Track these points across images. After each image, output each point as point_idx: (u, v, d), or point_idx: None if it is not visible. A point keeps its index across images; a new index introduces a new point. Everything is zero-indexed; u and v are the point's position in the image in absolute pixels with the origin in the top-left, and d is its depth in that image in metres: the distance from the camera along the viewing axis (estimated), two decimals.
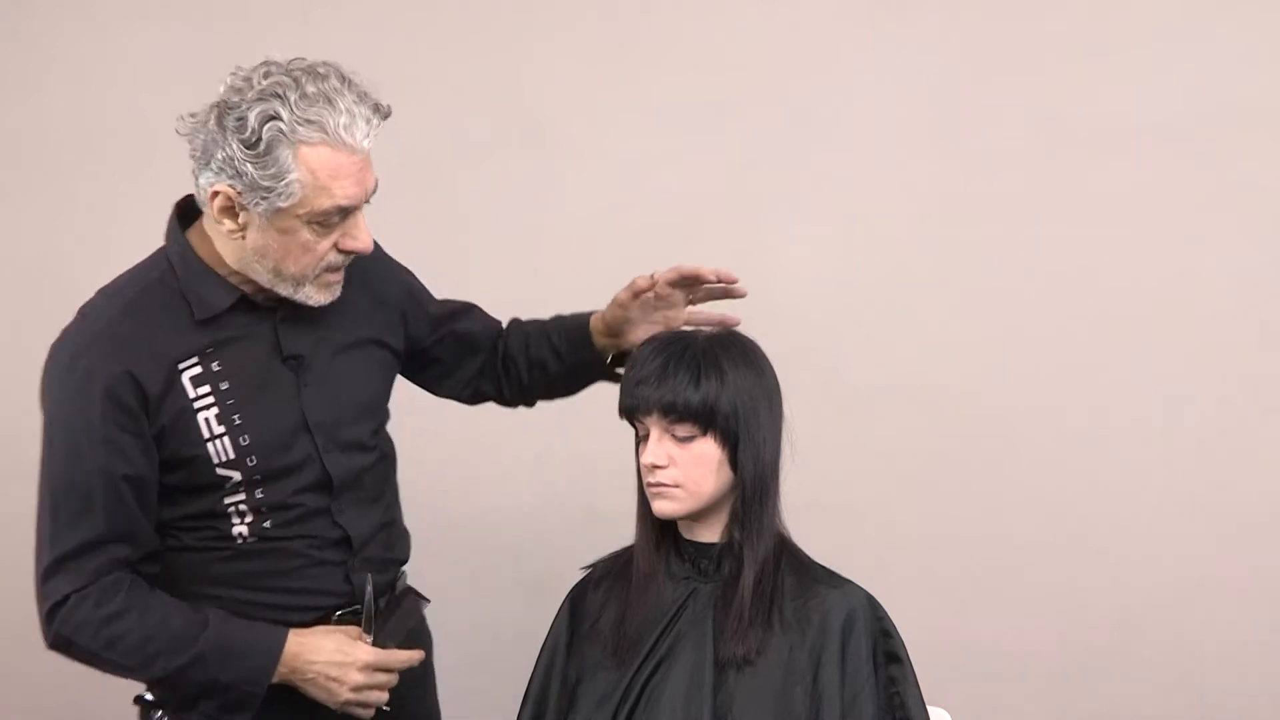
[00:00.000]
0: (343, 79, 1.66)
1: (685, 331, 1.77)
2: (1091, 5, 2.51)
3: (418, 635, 1.93)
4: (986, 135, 2.56)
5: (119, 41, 2.78)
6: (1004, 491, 2.61)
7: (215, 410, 1.71)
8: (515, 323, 2.07)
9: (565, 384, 2.05)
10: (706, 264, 1.93)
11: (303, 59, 1.66)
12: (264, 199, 1.63)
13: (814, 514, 2.59)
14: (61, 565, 1.68)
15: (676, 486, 1.68)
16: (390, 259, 1.95)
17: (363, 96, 1.67)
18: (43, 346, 1.76)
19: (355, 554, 1.83)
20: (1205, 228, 2.51)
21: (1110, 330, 2.56)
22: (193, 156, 1.67)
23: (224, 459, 1.72)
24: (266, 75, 1.64)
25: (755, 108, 2.62)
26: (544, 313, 2.63)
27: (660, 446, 1.67)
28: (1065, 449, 2.58)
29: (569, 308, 2.62)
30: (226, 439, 1.72)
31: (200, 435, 1.71)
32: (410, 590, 1.93)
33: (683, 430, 1.67)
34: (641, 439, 1.71)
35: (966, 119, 2.57)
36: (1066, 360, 2.57)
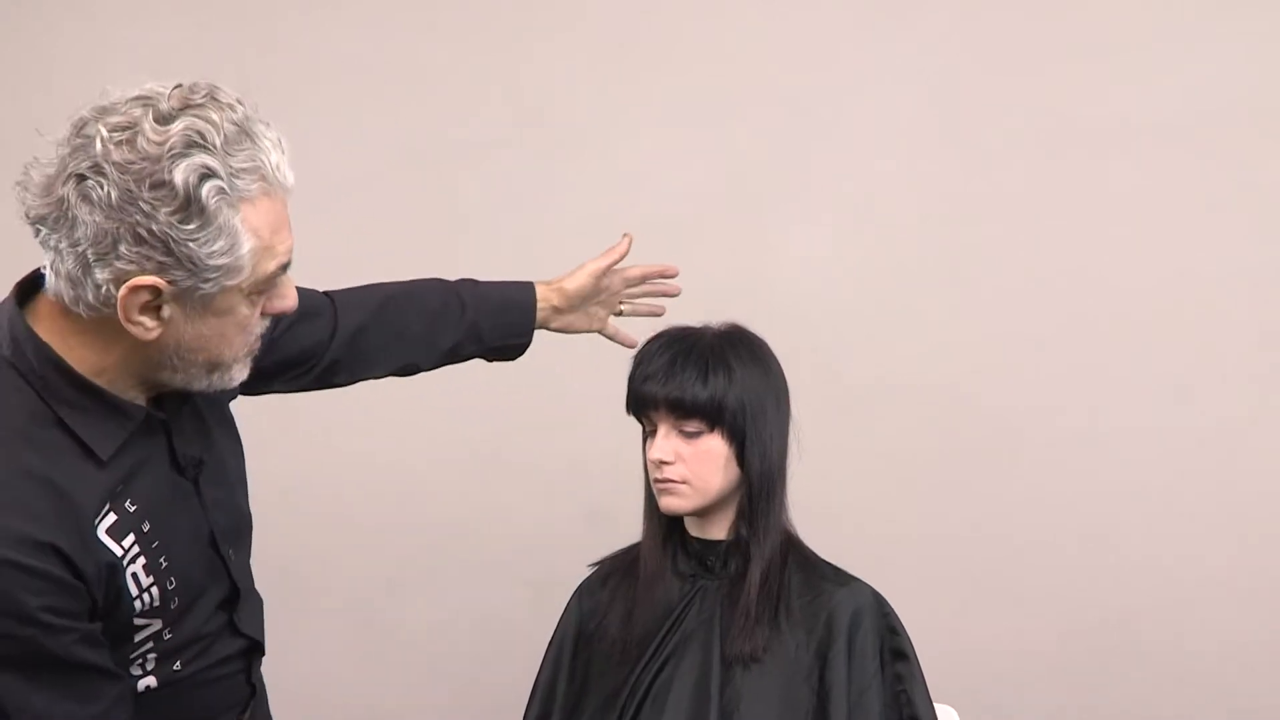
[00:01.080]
0: (242, 102, 1.28)
1: (692, 328, 1.76)
2: (1094, 4, 2.51)
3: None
4: (989, 134, 2.55)
5: (119, 40, 2.77)
6: (1006, 491, 2.61)
7: (142, 560, 1.35)
8: (367, 301, 1.74)
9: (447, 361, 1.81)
10: (663, 301, 1.89)
11: (182, 85, 1.25)
12: (208, 281, 1.24)
13: (816, 513, 2.60)
14: None
15: (684, 483, 1.68)
16: None
17: (265, 120, 1.28)
18: None
19: (257, 654, 1.60)
20: (1207, 227, 2.50)
21: (1112, 330, 2.55)
22: (56, 245, 1.23)
23: (147, 607, 1.38)
24: (162, 119, 1.21)
25: (757, 106, 2.62)
26: None
27: (668, 442, 1.67)
28: (1067, 448, 2.58)
29: None
30: (155, 588, 1.37)
31: (130, 593, 1.35)
32: None
33: (691, 426, 1.68)
34: (649, 435, 1.71)
35: (969, 118, 2.56)
36: (1068, 360, 2.57)
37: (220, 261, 1.24)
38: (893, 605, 2.58)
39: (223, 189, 1.22)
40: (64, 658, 1.30)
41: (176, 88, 1.24)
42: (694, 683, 1.67)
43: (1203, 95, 2.47)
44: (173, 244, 1.22)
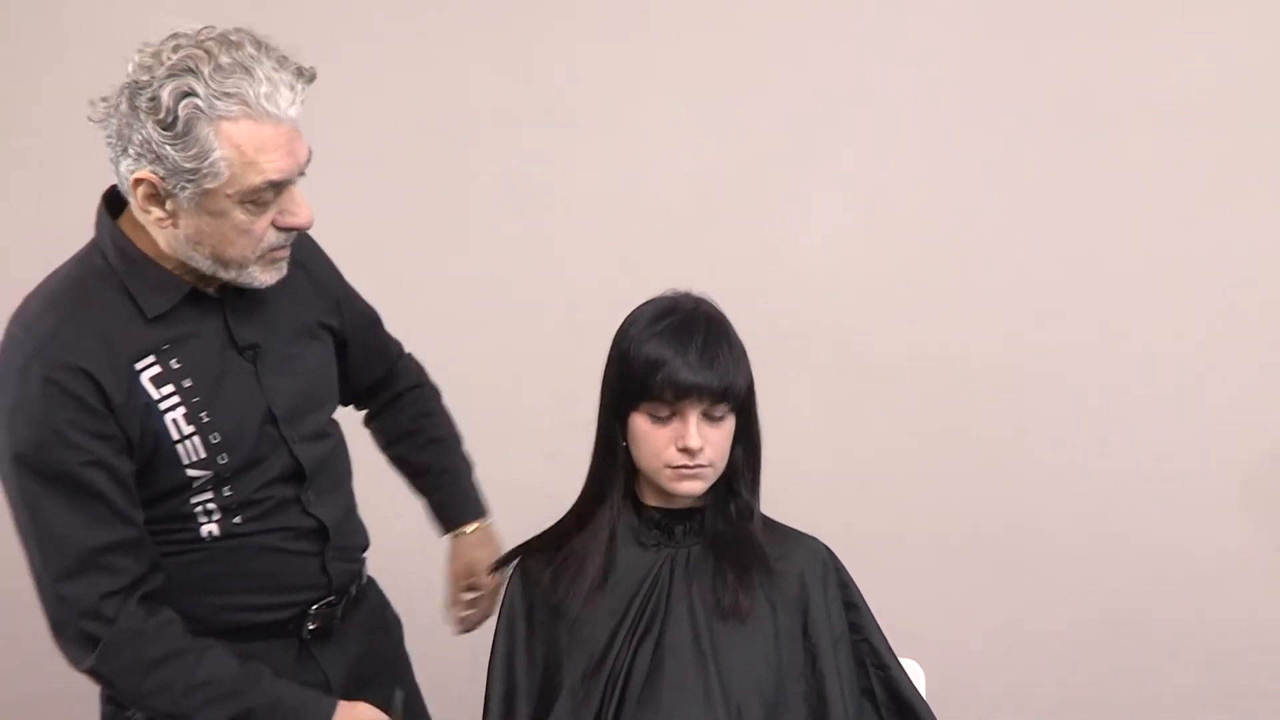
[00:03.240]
0: (259, 45, 1.53)
1: (679, 305, 1.70)
2: None
3: (384, 621, 1.95)
4: (1004, 112, 2.54)
5: (129, 13, 2.74)
6: (1023, 467, 2.61)
7: (182, 410, 1.61)
8: (418, 394, 2.05)
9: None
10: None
11: (213, 27, 1.54)
12: (189, 182, 1.51)
13: (832, 489, 2.61)
14: (83, 569, 1.57)
15: (709, 466, 1.67)
16: (318, 245, 1.85)
17: (283, 61, 1.53)
18: None
19: (329, 543, 1.78)
20: (1222, 204, 2.50)
21: (1129, 306, 2.55)
22: (108, 143, 1.55)
23: (194, 459, 1.63)
24: (176, 49, 1.51)
25: (770, 86, 2.60)
26: (557, 297, 2.63)
27: (699, 430, 1.65)
28: (1083, 425, 2.58)
29: (580, 292, 2.61)
30: (197, 438, 1.62)
31: (171, 438, 1.61)
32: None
33: (719, 411, 1.66)
34: (661, 420, 1.66)
35: (983, 97, 2.55)
36: (1084, 337, 2.57)
37: (192, 165, 1.49)
38: (911, 580, 2.60)
39: (199, 106, 1.48)
40: (77, 476, 1.54)
41: (202, 29, 1.53)
42: (691, 648, 1.67)
43: (1220, 71, 2.46)
44: (155, 145, 1.50)
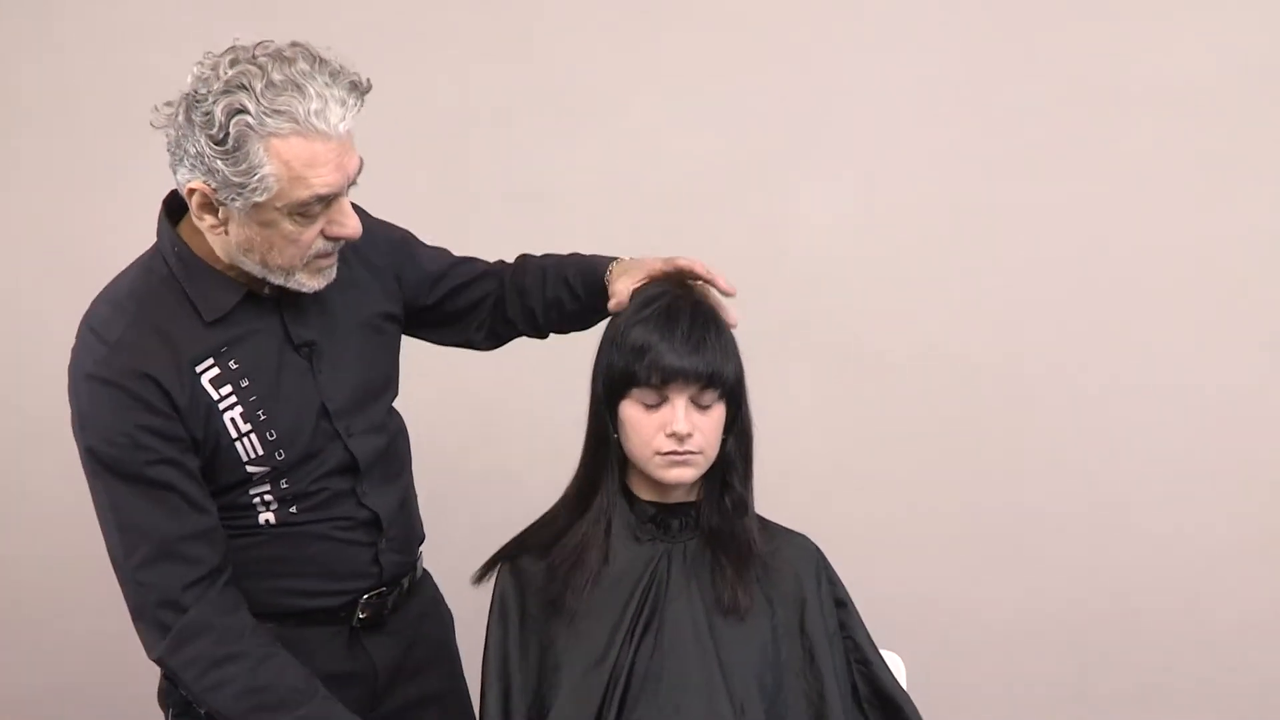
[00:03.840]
0: (313, 60, 1.57)
1: (667, 291, 1.73)
2: None
3: (436, 614, 1.98)
4: (1007, 100, 2.54)
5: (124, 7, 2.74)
6: (1022, 459, 2.62)
7: (240, 409, 1.69)
8: (528, 259, 1.99)
9: (580, 321, 1.96)
10: (720, 272, 1.82)
11: (270, 42, 1.59)
12: (239, 194, 1.56)
13: (831, 481, 2.61)
14: (162, 558, 1.65)
15: (699, 453, 1.68)
16: (375, 219, 1.87)
17: (336, 76, 1.58)
18: (59, 304, 1.77)
19: (383, 534, 1.82)
20: (1226, 192, 2.50)
21: (1130, 299, 2.55)
22: (169, 150, 1.61)
23: (252, 455, 1.70)
24: (233, 63, 1.55)
25: (772, 73, 2.59)
26: None
27: (688, 415, 1.66)
28: (1083, 417, 2.59)
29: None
30: (254, 435, 1.70)
31: (229, 436, 1.68)
32: None
33: (707, 398, 1.68)
34: (650, 407, 1.68)
35: (986, 84, 2.55)
36: (1084, 329, 2.57)
37: (241, 180, 1.55)
38: (913, 571, 2.62)
39: (249, 124, 1.53)
40: (150, 474, 1.62)
41: (259, 44, 1.58)
42: (692, 644, 1.68)
43: (1224, 59, 2.47)
44: (207, 159, 1.55)
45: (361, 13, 2.65)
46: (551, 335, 2.00)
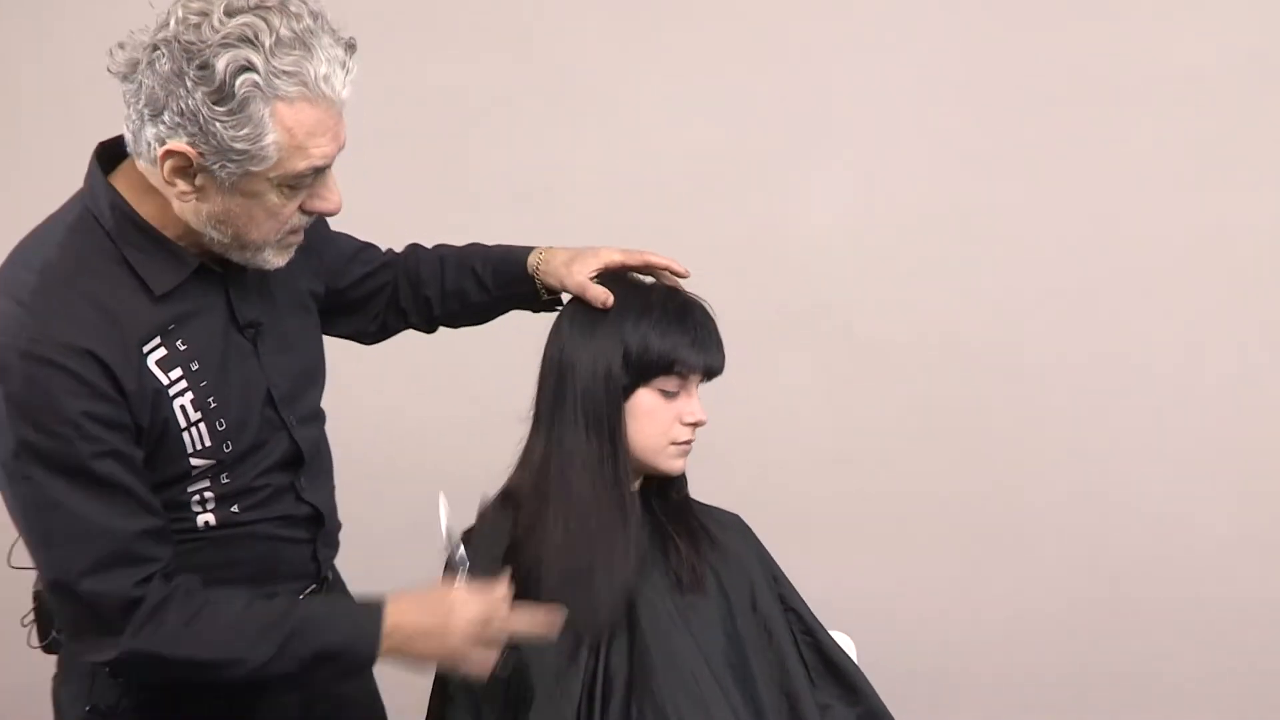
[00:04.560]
0: (315, 16, 1.42)
1: (666, 287, 1.75)
2: None
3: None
4: (1009, 87, 2.53)
5: None
6: (1021, 445, 2.61)
7: (190, 395, 1.49)
8: (419, 249, 1.89)
9: (483, 314, 1.89)
10: (676, 257, 1.78)
11: None
12: (233, 162, 1.39)
13: (832, 467, 2.60)
14: (115, 561, 1.44)
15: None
16: None
17: (335, 36, 1.43)
18: None
19: (323, 529, 1.71)
20: (1228, 180, 2.49)
21: (1130, 286, 2.54)
22: (130, 101, 1.40)
23: (199, 447, 1.52)
24: (230, 12, 1.37)
25: (772, 60, 2.58)
26: None
27: (700, 405, 1.70)
28: (1083, 404, 2.58)
29: None
30: (203, 425, 1.51)
31: (178, 425, 1.49)
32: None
33: (700, 389, 1.72)
34: (670, 395, 1.68)
35: (988, 71, 2.53)
36: (1084, 318, 2.56)
37: (241, 146, 1.37)
38: (910, 558, 2.62)
39: (257, 83, 1.36)
40: (95, 469, 1.42)
41: None
42: (670, 626, 1.67)
43: (1230, 47, 2.45)
44: (203, 121, 1.36)
45: (359, 3, 2.61)
46: (441, 330, 1.92)
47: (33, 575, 1.57)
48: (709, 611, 1.71)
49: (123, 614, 1.46)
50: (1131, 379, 2.56)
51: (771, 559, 1.81)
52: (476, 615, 1.55)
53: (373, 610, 1.54)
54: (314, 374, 1.71)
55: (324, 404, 1.75)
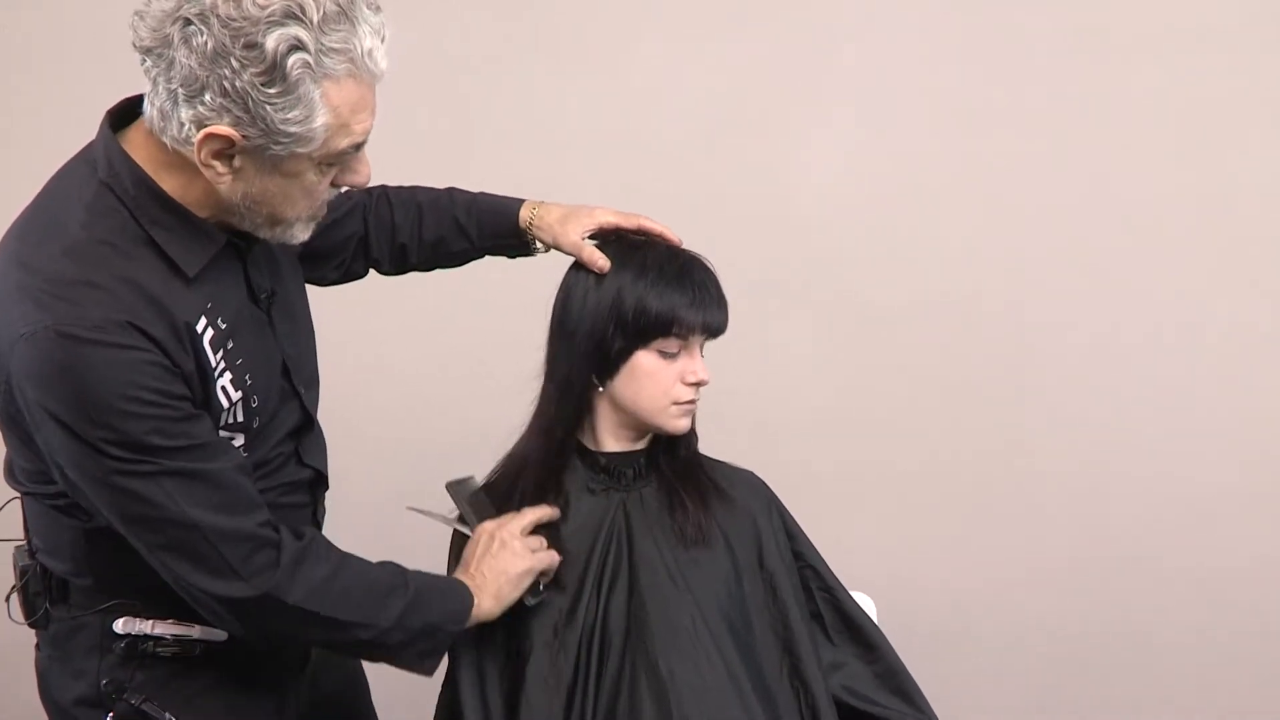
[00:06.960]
0: None
1: (660, 246, 1.73)
2: None
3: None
4: (1009, 46, 2.51)
5: None
6: (1024, 407, 2.60)
7: (229, 375, 1.45)
8: (388, 191, 1.83)
9: (459, 261, 1.86)
10: (676, 217, 1.77)
11: None
12: (279, 144, 1.33)
13: (834, 428, 2.59)
14: (236, 504, 1.42)
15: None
16: None
17: (373, 6, 1.37)
18: None
19: (324, 490, 1.69)
20: (1231, 138, 2.47)
21: (1133, 248, 2.53)
22: (156, 79, 1.33)
23: (232, 421, 1.47)
24: None
25: (772, 19, 2.56)
26: None
27: (702, 365, 1.69)
28: (1086, 363, 2.57)
29: None
30: (241, 404, 1.48)
31: (220, 405, 1.45)
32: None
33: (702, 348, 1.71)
34: (670, 356, 1.68)
35: (988, 30, 2.52)
36: (1087, 275, 2.55)
37: (293, 129, 1.32)
38: (914, 520, 2.62)
39: (308, 63, 1.30)
40: (187, 431, 1.38)
41: None
42: (668, 584, 1.67)
43: (1226, 1, 2.42)
44: (251, 103, 1.30)
45: None
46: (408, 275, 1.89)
47: (10, 549, 1.55)
48: (712, 567, 1.71)
49: (255, 552, 1.43)
50: (1137, 338, 2.55)
51: (787, 515, 1.81)
52: (515, 525, 1.63)
53: (453, 581, 1.60)
54: (311, 336, 1.68)
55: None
